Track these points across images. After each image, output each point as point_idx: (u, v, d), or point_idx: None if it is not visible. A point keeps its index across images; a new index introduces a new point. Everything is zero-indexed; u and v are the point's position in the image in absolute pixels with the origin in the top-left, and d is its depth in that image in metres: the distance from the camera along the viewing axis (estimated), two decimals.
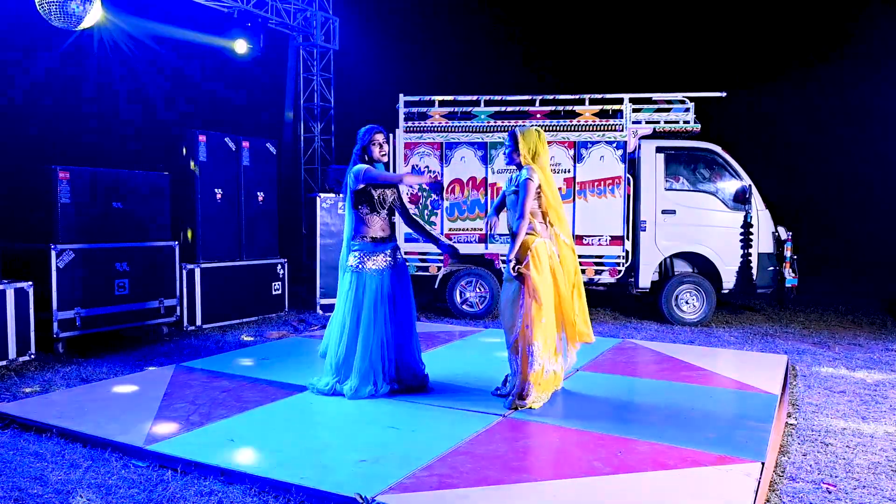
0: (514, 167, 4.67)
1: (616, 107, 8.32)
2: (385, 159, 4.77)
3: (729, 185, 8.15)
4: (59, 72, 8.08)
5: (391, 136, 8.65)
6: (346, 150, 11.78)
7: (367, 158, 4.68)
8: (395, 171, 8.58)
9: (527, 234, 4.47)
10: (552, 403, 4.46)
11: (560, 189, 8.30)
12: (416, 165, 8.60)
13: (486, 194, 8.48)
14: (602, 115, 8.34)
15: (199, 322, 7.60)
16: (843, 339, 7.31)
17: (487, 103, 8.54)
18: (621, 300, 9.40)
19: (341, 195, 8.85)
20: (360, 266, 4.63)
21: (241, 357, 5.89)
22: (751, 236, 8.01)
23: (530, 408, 4.32)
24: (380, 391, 4.57)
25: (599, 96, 8.38)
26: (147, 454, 3.59)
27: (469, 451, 3.59)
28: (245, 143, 8.27)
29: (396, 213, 4.92)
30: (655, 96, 8.34)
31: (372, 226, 4.67)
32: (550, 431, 3.91)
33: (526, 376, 4.37)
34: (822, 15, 13.18)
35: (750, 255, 8.02)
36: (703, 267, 8.30)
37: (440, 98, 8.65)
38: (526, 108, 8.47)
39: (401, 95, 8.68)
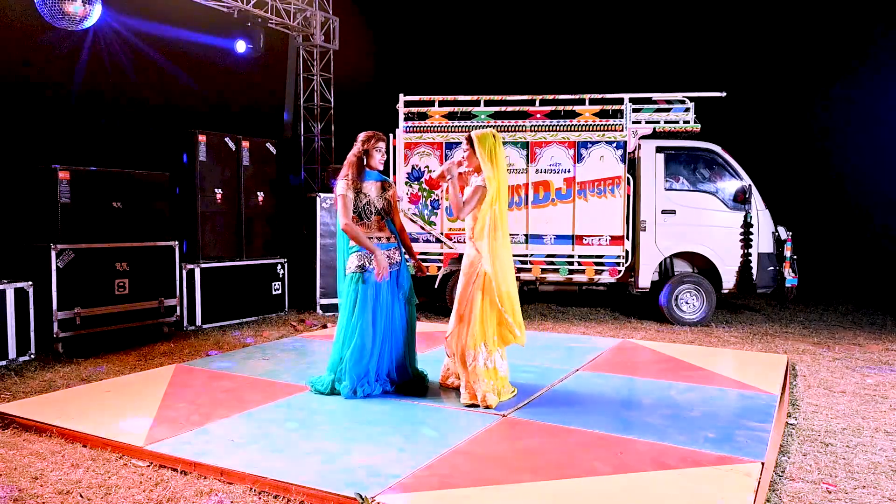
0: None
1: (616, 107, 8.32)
2: (381, 167, 4.75)
3: (729, 185, 8.16)
4: (60, 71, 8.08)
5: (391, 135, 8.66)
6: (345, 150, 11.78)
7: (360, 164, 4.66)
8: (394, 171, 8.60)
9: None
10: (552, 403, 4.47)
11: (560, 189, 8.31)
12: (416, 165, 8.61)
13: None
14: (602, 115, 8.34)
15: (199, 322, 7.60)
16: (843, 339, 7.31)
17: (487, 103, 8.55)
18: (621, 300, 9.40)
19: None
20: (356, 267, 4.64)
21: (242, 357, 5.89)
22: (751, 236, 8.02)
23: (488, 406, 4.35)
24: (374, 391, 4.57)
25: (599, 96, 8.38)
26: (147, 454, 3.59)
27: (469, 451, 3.59)
28: (245, 143, 8.28)
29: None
30: (655, 96, 8.34)
31: (365, 228, 4.68)
32: (550, 431, 3.91)
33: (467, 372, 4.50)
34: (823, 14, 13.18)
35: (750, 255, 8.03)
36: (703, 267, 8.31)
37: (440, 98, 8.65)
38: (526, 108, 8.48)
39: (401, 95, 8.68)
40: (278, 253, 8.77)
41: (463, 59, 13.69)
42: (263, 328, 7.79)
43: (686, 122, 8.26)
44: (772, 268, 8.06)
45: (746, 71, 13.34)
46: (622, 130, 8.20)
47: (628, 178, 8.24)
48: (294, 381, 4.96)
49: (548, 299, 9.61)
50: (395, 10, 13.18)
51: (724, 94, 8.18)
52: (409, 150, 8.63)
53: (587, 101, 8.36)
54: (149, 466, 3.51)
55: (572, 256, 8.30)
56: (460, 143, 8.35)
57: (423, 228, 8.53)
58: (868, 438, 4.09)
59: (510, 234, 8.19)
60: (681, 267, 8.45)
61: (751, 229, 8.02)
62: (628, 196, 8.23)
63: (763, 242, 8.08)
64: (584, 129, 8.28)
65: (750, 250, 8.03)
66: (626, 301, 9.32)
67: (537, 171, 8.33)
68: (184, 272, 7.50)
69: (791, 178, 12.85)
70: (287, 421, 4.13)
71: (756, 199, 8.08)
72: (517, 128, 8.40)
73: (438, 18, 13.65)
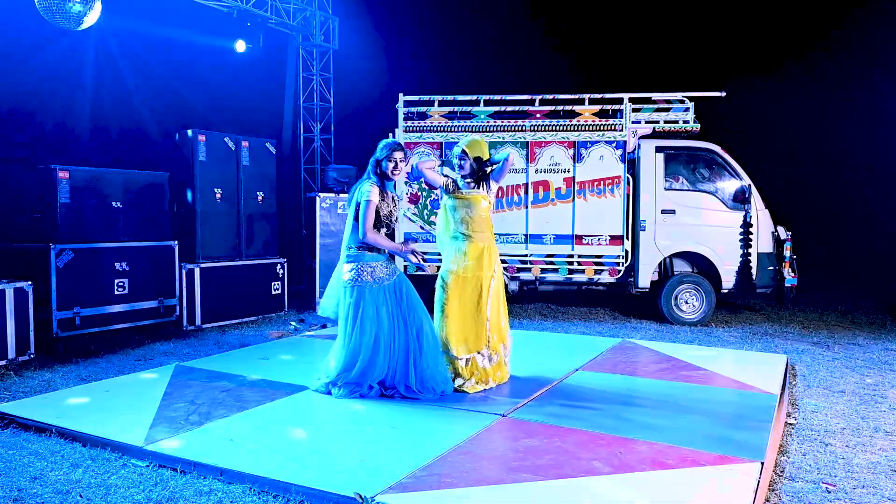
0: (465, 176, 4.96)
1: (616, 107, 8.32)
2: (397, 177, 4.63)
3: (728, 185, 8.16)
4: (59, 72, 8.07)
5: (391, 135, 8.65)
6: (345, 150, 11.82)
7: (379, 172, 4.59)
8: None
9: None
10: (552, 403, 4.47)
11: (559, 189, 8.32)
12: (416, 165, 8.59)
13: None
14: (602, 114, 8.34)
15: (198, 322, 7.60)
16: (842, 339, 7.30)
17: (487, 103, 8.54)
18: (621, 300, 9.40)
19: (340, 195, 8.85)
20: (353, 280, 4.55)
21: (241, 357, 5.88)
22: (750, 236, 8.02)
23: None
24: (370, 394, 4.53)
25: (599, 96, 8.38)
26: (146, 454, 3.59)
27: (469, 451, 3.58)
28: (244, 143, 8.27)
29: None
30: (655, 96, 8.35)
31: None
32: (550, 431, 3.91)
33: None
34: (823, 14, 13.18)
35: (749, 254, 8.03)
36: (703, 267, 8.30)
37: (440, 98, 8.65)
38: (525, 108, 8.47)
39: (401, 95, 8.68)
40: (278, 253, 8.77)
41: (463, 59, 13.68)
42: (263, 328, 7.79)
43: (686, 122, 8.26)
44: (771, 268, 8.06)
45: (746, 71, 13.34)
46: (622, 130, 8.20)
47: (628, 178, 8.24)
48: (294, 381, 4.95)
49: (547, 299, 9.61)
50: (394, 10, 13.18)
51: (723, 94, 8.18)
52: (409, 150, 8.61)
53: (587, 101, 8.36)
54: (148, 466, 3.51)
55: (572, 256, 8.29)
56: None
57: (422, 228, 8.52)
58: (867, 438, 4.09)
59: (510, 234, 8.25)
60: (680, 267, 8.45)
61: (750, 229, 8.02)
62: (628, 196, 8.23)
63: (763, 242, 8.07)
64: (583, 128, 8.28)
65: (749, 250, 8.03)
66: (625, 301, 9.32)
67: (537, 170, 8.33)
68: (183, 272, 7.49)
69: (791, 178, 12.85)
70: (287, 421, 4.12)
71: (756, 199, 8.08)
72: (517, 128, 8.40)
73: (439, 18, 13.65)
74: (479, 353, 4.78)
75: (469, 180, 4.92)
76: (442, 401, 4.49)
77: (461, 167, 4.93)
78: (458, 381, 4.72)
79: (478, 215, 4.87)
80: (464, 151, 4.91)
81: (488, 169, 4.95)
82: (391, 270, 4.62)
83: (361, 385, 4.53)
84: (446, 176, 5.05)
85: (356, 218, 4.58)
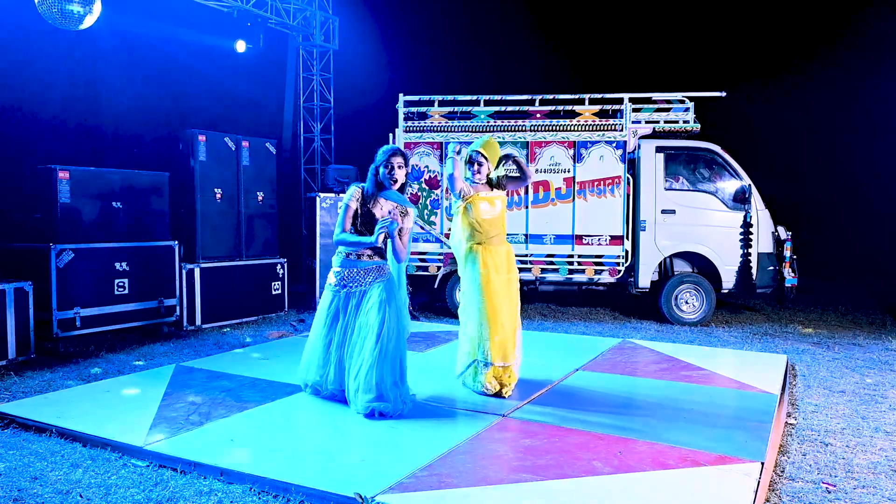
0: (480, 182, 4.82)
1: (616, 107, 8.32)
2: (396, 185, 4.40)
3: (729, 185, 8.16)
4: (60, 72, 8.07)
5: (391, 135, 8.67)
6: (345, 150, 11.83)
7: (376, 179, 4.39)
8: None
9: None
10: (552, 403, 4.47)
11: (559, 189, 8.32)
12: (416, 165, 8.60)
13: None
14: (602, 114, 8.34)
15: (198, 322, 7.59)
16: (843, 339, 7.30)
17: (487, 103, 8.54)
18: (621, 300, 9.40)
19: (340, 195, 8.86)
20: (335, 283, 4.43)
21: (241, 357, 5.88)
22: (750, 236, 8.02)
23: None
24: (332, 399, 4.50)
25: (599, 96, 8.38)
26: (146, 454, 3.59)
27: (469, 451, 3.59)
28: (245, 143, 8.27)
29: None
30: (655, 96, 8.35)
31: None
32: (550, 431, 3.91)
33: None
34: (822, 14, 13.19)
35: (750, 254, 8.03)
36: (703, 267, 8.30)
37: (440, 98, 8.65)
38: (525, 108, 8.47)
39: (401, 95, 8.68)
40: (278, 253, 8.77)
41: (463, 59, 13.69)
42: (263, 328, 7.78)
43: (686, 122, 8.26)
44: (771, 268, 8.06)
45: (746, 71, 13.35)
46: (622, 130, 8.20)
47: (628, 178, 8.24)
48: (294, 381, 4.94)
49: (548, 299, 9.61)
50: (394, 10, 13.20)
51: (724, 94, 8.18)
52: (409, 150, 8.62)
53: (587, 101, 8.36)
54: (148, 466, 3.51)
55: (572, 256, 8.29)
56: (460, 143, 8.43)
57: (422, 228, 8.52)
58: (868, 438, 4.09)
59: (510, 234, 8.25)
60: (680, 267, 8.45)
61: (750, 229, 8.02)
62: (628, 196, 8.23)
63: (763, 242, 8.07)
64: (583, 128, 8.28)
65: (749, 250, 8.03)
66: (626, 301, 9.32)
67: (537, 170, 8.33)
68: (183, 272, 7.49)
69: (791, 178, 12.85)
70: (287, 421, 4.13)
71: (756, 199, 8.08)
72: (517, 128, 8.40)
73: (438, 18, 13.66)
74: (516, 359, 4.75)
75: (482, 182, 4.82)
76: (442, 400, 4.49)
77: (478, 171, 4.76)
78: (505, 390, 4.58)
79: (499, 217, 4.80)
80: (482, 154, 4.74)
81: (501, 172, 4.88)
82: (372, 278, 4.36)
83: (322, 390, 4.51)
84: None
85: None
